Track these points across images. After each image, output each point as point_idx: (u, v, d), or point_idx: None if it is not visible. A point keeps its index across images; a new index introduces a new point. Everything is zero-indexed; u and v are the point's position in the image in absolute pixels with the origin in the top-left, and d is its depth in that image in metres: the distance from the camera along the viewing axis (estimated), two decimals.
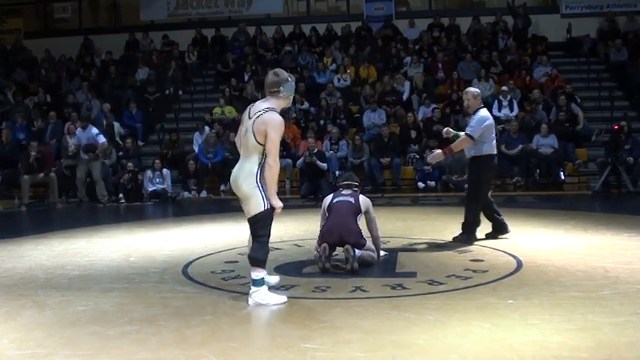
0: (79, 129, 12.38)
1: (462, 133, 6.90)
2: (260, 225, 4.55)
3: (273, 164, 4.49)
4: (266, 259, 4.63)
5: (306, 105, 14.96)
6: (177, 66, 16.89)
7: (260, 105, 4.63)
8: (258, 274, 4.54)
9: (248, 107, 4.71)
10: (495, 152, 6.87)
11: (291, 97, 4.76)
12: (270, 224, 4.60)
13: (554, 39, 16.90)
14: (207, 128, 14.00)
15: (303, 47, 17.25)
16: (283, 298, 4.57)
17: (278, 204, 4.55)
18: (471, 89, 7.07)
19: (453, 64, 15.70)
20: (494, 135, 6.85)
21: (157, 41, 18.49)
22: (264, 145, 4.48)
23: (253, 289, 4.53)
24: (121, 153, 13.59)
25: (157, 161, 12.50)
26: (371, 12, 18.58)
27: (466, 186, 7.34)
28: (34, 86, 17.20)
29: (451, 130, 7.06)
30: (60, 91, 16.65)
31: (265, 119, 4.47)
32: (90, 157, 11.95)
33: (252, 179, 4.50)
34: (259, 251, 4.57)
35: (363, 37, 17.34)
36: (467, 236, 6.78)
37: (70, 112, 14.75)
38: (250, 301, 4.51)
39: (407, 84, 15.18)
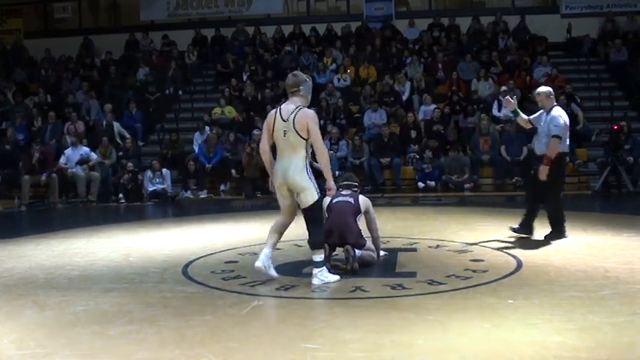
0: (69, 149, 12.66)
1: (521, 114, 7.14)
2: (317, 211, 5.15)
3: (323, 150, 5.09)
4: (322, 241, 5.16)
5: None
6: (177, 66, 16.88)
7: (288, 107, 5.12)
8: (319, 256, 5.08)
9: (273, 113, 5.17)
10: (568, 150, 7.00)
11: (309, 96, 5.25)
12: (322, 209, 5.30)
13: (554, 39, 16.88)
14: (207, 128, 14.02)
15: (303, 47, 17.25)
16: (338, 277, 5.14)
17: (334, 186, 5.16)
18: (542, 89, 7.06)
19: (453, 64, 15.69)
20: (568, 132, 6.89)
21: (157, 41, 18.48)
22: (306, 140, 5.02)
23: (316, 270, 5.06)
24: (121, 153, 13.59)
25: (155, 162, 12.50)
26: (371, 12, 18.57)
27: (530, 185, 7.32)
28: (34, 86, 17.19)
29: (510, 99, 7.17)
30: (60, 91, 16.64)
31: (303, 115, 5.02)
32: (85, 170, 12.14)
33: (304, 173, 5.04)
34: (318, 235, 5.10)
35: (363, 37, 17.34)
36: (557, 233, 6.81)
37: (70, 112, 14.78)
38: (315, 280, 5.03)
39: (407, 84, 15.18)
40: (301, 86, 5.16)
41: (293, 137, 5.01)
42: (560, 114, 6.72)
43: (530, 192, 7.23)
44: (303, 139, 5.01)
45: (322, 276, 5.06)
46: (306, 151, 5.09)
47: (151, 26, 19.24)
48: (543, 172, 6.62)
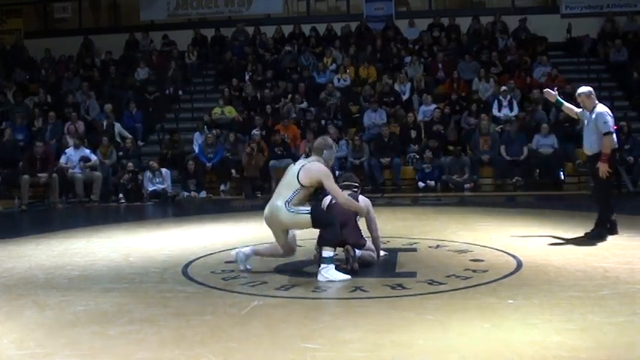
0: (70, 148, 12.62)
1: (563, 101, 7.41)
2: (322, 219, 5.28)
3: (357, 206, 5.64)
4: (335, 240, 5.21)
5: (305, 105, 14.96)
6: (177, 66, 16.88)
7: (306, 159, 5.57)
8: (328, 252, 5.15)
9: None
10: (617, 145, 7.09)
11: (330, 162, 5.57)
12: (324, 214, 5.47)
13: (554, 39, 16.89)
14: (206, 128, 14.02)
15: (303, 47, 17.25)
16: (348, 277, 5.12)
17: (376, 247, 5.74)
18: (583, 89, 7.14)
19: (453, 64, 15.69)
20: (614, 129, 7.04)
21: (157, 41, 18.48)
22: (303, 186, 5.34)
23: (322, 266, 5.12)
24: (121, 153, 13.59)
25: (152, 162, 12.50)
26: (371, 12, 18.57)
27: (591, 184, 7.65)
28: (34, 86, 17.19)
29: (551, 92, 7.31)
30: (60, 91, 16.64)
31: (316, 167, 5.34)
32: (85, 170, 12.15)
33: (284, 210, 5.31)
34: (330, 234, 5.18)
35: (363, 37, 17.34)
36: (600, 232, 6.88)
37: (70, 112, 14.77)
38: (320, 277, 5.10)
39: (408, 84, 15.18)
40: (325, 150, 5.47)
41: (290, 178, 5.33)
42: (605, 111, 6.89)
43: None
44: (300, 184, 5.26)
45: (327, 273, 5.11)
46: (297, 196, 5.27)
47: (151, 26, 19.24)
48: (602, 169, 6.78)
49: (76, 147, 12.61)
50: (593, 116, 6.88)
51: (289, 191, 5.31)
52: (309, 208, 5.26)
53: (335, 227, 5.19)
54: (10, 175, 12.45)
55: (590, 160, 7.11)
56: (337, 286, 4.99)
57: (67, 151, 12.74)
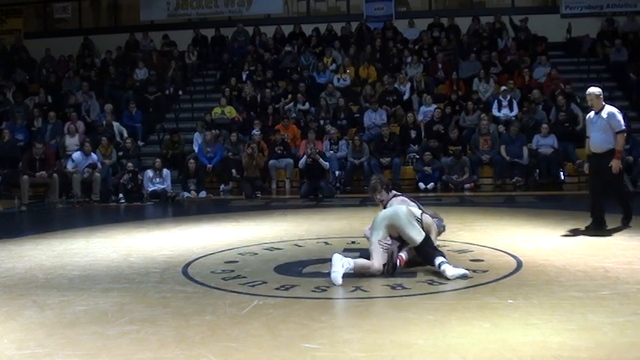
0: (78, 153, 12.56)
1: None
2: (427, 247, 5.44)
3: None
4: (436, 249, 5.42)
5: (306, 105, 14.96)
6: (177, 66, 16.89)
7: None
8: (440, 259, 5.22)
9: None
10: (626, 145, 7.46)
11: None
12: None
13: (554, 39, 16.90)
14: (204, 129, 14.02)
15: (303, 47, 17.25)
16: (466, 271, 5.14)
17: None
18: (593, 90, 7.36)
19: (452, 64, 15.69)
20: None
21: (157, 41, 18.49)
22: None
23: (442, 268, 5.14)
24: (121, 153, 13.59)
25: (158, 160, 12.50)
26: (371, 12, 18.59)
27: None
28: (34, 86, 17.19)
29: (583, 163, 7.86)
30: (60, 91, 16.65)
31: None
32: (89, 173, 12.18)
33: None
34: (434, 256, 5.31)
35: (363, 37, 17.35)
36: (627, 221, 7.34)
37: (71, 112, 14.77)
38: (447, 274, 5.09)
39: (408, 84, 15.18)
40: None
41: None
42: (615, 110, 7.15)
43: (596, 188, 7.40)
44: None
45: (450, 273, 5.07)
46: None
47: (151, 26, 19.25)
48: (616, 165, 7.04)
49: (87, 154, 12.54)
50: (604, 116, 7.12)
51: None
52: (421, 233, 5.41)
53: (436, 250, 5.37)
54: (10, 175, 12.45)
55: (598, 159, 7.26)
56: (337, 286, 4.98)
57: (74, 156, 12.59)
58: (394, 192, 6.13)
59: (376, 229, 5.41)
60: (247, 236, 7.52)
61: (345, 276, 5.20)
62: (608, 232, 7.06)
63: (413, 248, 5.46)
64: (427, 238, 5.39)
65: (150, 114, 15.76)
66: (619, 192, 7.47)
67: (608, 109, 7.19)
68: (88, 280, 5.45)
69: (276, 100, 15.27)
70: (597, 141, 7.22)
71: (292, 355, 3.50)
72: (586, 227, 7.22)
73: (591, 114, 7.34)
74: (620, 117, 7.12)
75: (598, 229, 7.13)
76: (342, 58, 16.37)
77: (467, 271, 5.15)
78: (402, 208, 5.57)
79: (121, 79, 16.82)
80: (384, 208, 5.90)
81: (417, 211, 5.67)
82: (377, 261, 5.25)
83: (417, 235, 5.35)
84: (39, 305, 4.66)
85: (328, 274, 5.07)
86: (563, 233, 7.14)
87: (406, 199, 6.01)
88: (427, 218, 5.73)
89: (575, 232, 7.12)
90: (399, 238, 5.43)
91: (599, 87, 7.52)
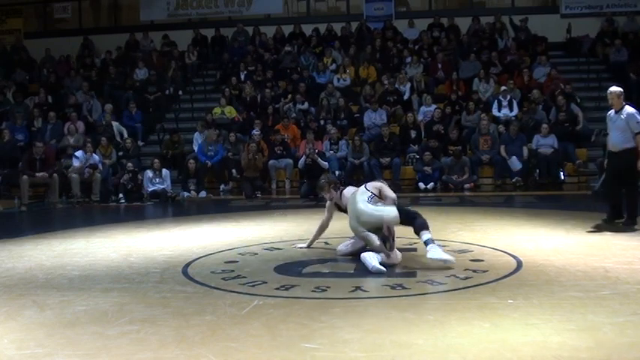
0: (81, 152, 12.55)
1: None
2: (403, 216, 5.72)
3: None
4: (425, 223, 5.65)
5: (306, 105, 14.96)
6: (177, 66, 16.89)
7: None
8: (425, 234, 5.57)
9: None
10: None
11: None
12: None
13: (554, 39, 16.90)
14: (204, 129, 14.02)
15: (303, 47, 17.25)
16: (452, 258, 5.46)
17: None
18: (615, 89, 7.49)
19: (452, 64, 15.69)
20: None
21: (157, 41, 18.49)
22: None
23: (428, 247, 5.49)
24: (121, 153, 13.59)
25: (156, 161, 12.50)
26: (371, 12, 18.59)
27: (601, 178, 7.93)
28: (34, 86, 17.19)
29: None
30: (60, 91, 16.65)
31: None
32: (89, 173, 12.19)
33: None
34: (417, 222, 5.66)
35: (362, 37, 17.35)
36: (632, 221, 7.37)
37: (71, 112, 14.77)
38: (429, 255, 5.44)
39: (408, 84, 15.18)
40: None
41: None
42: (635, 112, 7.25)
43: (611, 185, 7.53)
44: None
45: (434, 254, 5.41)
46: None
47: (151, 26, 19.25)
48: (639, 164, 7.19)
49: (90, 153, 12.54)
50: (623, 116, 7.25)
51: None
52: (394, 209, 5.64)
53: (417, 217, 5.65)
54: (10, 175, 12.45)
55: (614, 157, 7.39)
56: (337, 286, 4.98)
57: (77, 154, 12.57)
58: (341, 187, 6.45)
59: (358, 231, 5.76)
60: (247, 236, 7.52)
61: (345, 276, 5.21)
62: (608, 232, 7.07)
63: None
64: (400, 210, 5.69)
65: (150, 114, 15.76)
66: (632, 192, 7.52)
67: (628, 109, 7.30)
68: (88, 280, 5.45)
69: (276, 100, 15.27)
70: (615, 140, 7.35)
71: (292, 355, 3.50)
72: (603, 220, 7.45)
73: (611, 112, 7.47)
74: (639, 118, 7.21)
75: (616, 218, 7.37)
76: (342, 58, 16.38)
77: (451, 258, 5.44)
78: (357, 204, 5.75)
79: (121, 79, 16.82)
80: (338, 205, 6.35)
81: (365, 192, 5.89)
82: (374, 239, 5.60)
83: (390, 214, 5.62)
84: (39, 305, 4.66)
85: (328, 274, 5.08)
86: (563, 233, 7.13)
87: (351, 187, 6.33)
88: (377, 187, 6.02)
89: (575, 232, 7.11)
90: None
91: (620, 87, 7.63)
